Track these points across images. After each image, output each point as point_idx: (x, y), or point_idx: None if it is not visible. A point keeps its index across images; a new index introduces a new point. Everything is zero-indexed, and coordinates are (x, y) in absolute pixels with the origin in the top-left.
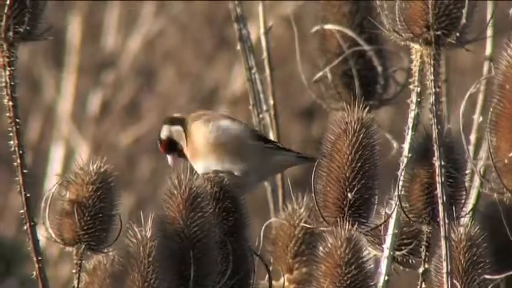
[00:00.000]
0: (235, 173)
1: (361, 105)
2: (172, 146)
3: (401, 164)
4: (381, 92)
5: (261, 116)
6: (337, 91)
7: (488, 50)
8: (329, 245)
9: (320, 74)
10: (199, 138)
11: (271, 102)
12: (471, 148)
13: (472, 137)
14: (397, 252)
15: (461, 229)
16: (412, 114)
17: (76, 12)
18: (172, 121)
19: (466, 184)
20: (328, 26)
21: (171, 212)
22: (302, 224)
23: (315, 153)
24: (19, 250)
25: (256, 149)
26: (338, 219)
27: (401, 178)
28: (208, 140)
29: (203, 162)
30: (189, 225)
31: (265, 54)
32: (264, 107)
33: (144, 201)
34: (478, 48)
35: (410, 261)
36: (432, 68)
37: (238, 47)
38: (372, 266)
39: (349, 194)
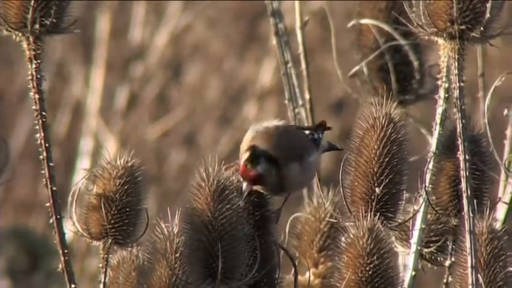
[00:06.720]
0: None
1: (389, 100)
2: (258, 182)
3: (428, 159)
4: (417, 87)
5: (296, 110)
6: (372, 86)
7: None
8: (351, 236)
9: (356, 68)
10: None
11: (307, 96)
12: (507, 142)
13: (509, 132)
14: (425, 250)
15: (483, 222)
16: (439, 110)
17: (104, 7)
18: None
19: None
20: (364, 21)
21: (199, 204)
22: (328, 218)
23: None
24: (46, 244)
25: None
26: (365, 214)
27: (429, 172)
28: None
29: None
30: (217, 217)
31: (301, 48)
32: (300, 102)
33: (173, 194)
34: None
35: (438, 258)
36: (456, 63)
37: (274, 42)
38: (395, 257)
39: (376, 189)
